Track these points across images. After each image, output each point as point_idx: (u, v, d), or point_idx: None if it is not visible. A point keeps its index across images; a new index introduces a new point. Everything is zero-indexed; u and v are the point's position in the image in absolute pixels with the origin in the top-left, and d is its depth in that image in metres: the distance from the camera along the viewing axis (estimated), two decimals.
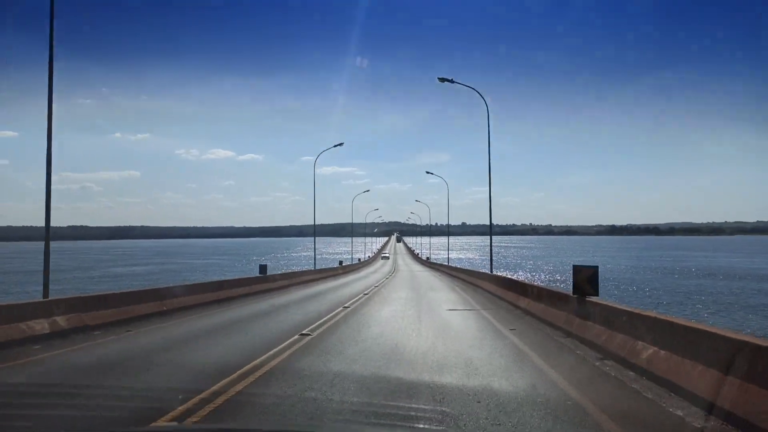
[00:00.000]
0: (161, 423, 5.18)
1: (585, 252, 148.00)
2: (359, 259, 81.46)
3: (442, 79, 29.52)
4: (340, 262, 61.76)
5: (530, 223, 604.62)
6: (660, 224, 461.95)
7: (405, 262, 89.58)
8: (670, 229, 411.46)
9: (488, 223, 29.68)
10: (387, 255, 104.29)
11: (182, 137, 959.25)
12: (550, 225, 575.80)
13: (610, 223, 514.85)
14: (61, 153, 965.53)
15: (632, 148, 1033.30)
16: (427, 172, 68.18)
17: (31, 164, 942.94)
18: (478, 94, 29.33)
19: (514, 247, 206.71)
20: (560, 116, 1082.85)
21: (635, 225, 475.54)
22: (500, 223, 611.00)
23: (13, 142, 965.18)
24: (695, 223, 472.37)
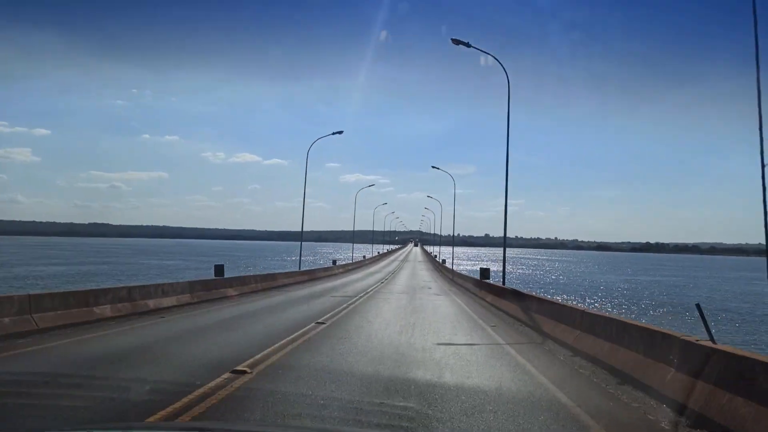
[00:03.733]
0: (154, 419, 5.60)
1: (681, 271, 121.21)
2: (334, 261, 58.29)
3: (456, 41, 25.74)
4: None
5: (555, 237, 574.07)
6: (698, 243, 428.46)
7: (412, 282, 40.02)
8: (711, 249, 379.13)
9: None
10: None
11: (209, 140, 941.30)
12: (576, 240, 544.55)
13: (638, 240, 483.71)
14: (91, 152, 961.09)
15: (661, 164, 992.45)
16: (433, 167, 49.35)
17: (62, 162, 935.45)
18: (501, 70, 24.53)
19: (565, 261, 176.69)
20: (586, 128, 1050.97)
21: (671, 243, 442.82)
22: (524, 236, 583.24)
23: (45, 139, 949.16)
24: (729, 244, 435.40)
